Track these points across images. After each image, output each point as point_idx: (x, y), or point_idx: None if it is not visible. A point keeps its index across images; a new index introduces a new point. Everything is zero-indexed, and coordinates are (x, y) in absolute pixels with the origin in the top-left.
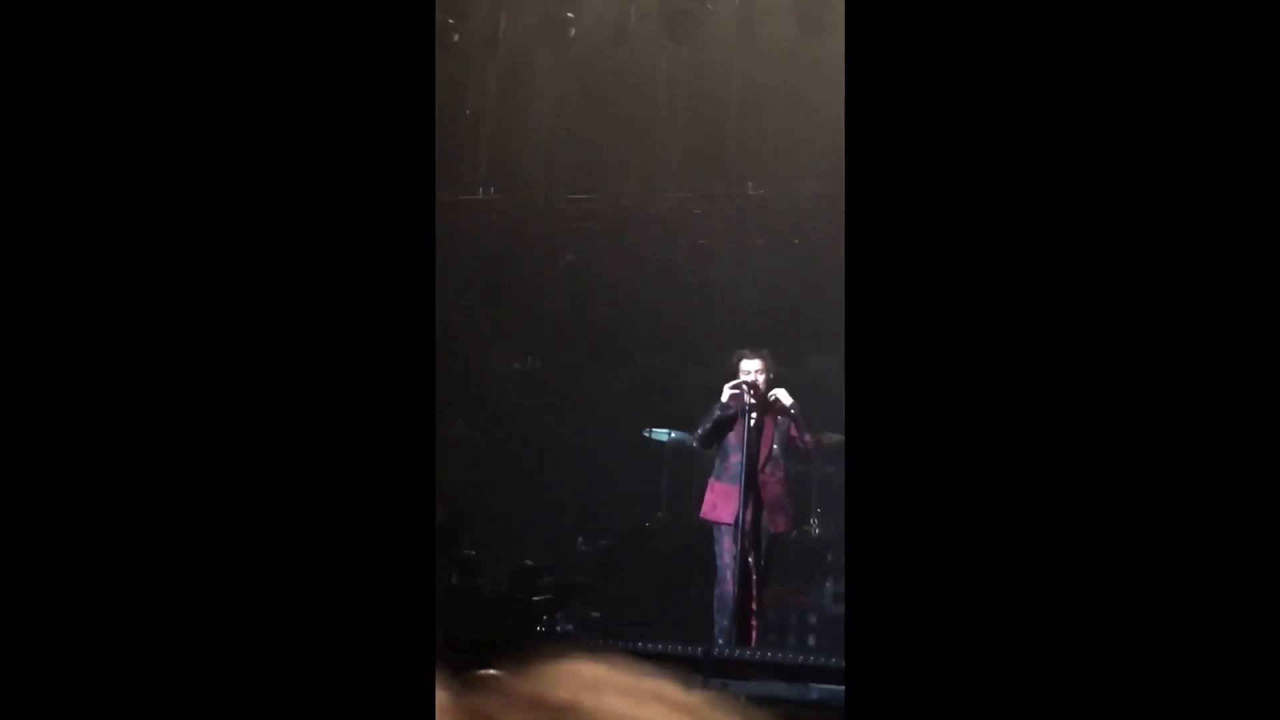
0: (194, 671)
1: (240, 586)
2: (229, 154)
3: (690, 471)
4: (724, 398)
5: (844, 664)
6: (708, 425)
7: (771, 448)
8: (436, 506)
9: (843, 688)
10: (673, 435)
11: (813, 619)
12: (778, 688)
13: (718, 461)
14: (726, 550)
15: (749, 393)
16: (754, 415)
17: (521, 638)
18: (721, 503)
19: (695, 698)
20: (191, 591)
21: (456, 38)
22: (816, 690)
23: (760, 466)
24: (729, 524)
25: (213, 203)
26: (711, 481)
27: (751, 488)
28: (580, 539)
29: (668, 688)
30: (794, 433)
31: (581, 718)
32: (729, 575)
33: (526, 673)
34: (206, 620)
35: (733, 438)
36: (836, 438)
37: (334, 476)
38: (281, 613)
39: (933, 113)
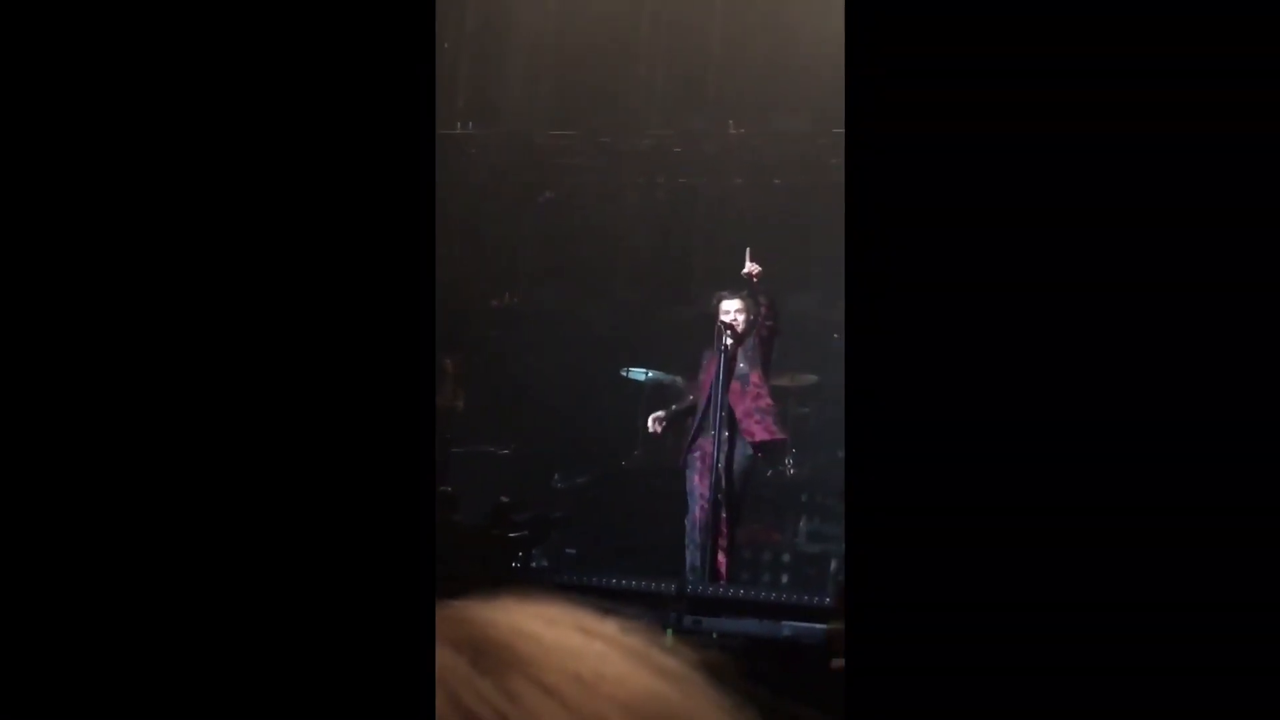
0: (187, 627)
1: (227, 545)
2: (224, 136)
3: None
4: (651, 428)
5: (830, 604)
6: (667, 417)
7: (737, 367)
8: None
9: (813, 625)
10: (650, 375)
11: (785, 557)
12: (749, 624)
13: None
14: (699, 487)
15: (728, 334)
16: (734, 360)
17: (498, 573)
18: (702, 450)
19: (635, 640)
20: (184, 554)
21: None
22: (788, 627)
23: (732, 390)
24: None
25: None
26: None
27: (728, 431)
28: (556, 476)
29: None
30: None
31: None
32: (699, 511)
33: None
34: (199, 582)
35: (704, 386)
36: (810, 378)
37: (327, 443)
38: (275, 582)
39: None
